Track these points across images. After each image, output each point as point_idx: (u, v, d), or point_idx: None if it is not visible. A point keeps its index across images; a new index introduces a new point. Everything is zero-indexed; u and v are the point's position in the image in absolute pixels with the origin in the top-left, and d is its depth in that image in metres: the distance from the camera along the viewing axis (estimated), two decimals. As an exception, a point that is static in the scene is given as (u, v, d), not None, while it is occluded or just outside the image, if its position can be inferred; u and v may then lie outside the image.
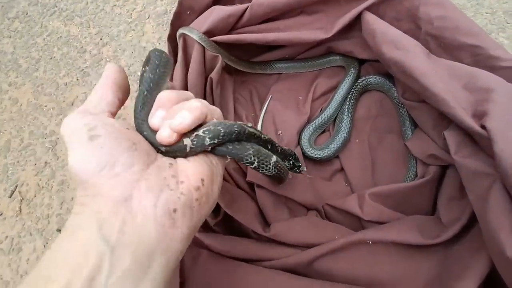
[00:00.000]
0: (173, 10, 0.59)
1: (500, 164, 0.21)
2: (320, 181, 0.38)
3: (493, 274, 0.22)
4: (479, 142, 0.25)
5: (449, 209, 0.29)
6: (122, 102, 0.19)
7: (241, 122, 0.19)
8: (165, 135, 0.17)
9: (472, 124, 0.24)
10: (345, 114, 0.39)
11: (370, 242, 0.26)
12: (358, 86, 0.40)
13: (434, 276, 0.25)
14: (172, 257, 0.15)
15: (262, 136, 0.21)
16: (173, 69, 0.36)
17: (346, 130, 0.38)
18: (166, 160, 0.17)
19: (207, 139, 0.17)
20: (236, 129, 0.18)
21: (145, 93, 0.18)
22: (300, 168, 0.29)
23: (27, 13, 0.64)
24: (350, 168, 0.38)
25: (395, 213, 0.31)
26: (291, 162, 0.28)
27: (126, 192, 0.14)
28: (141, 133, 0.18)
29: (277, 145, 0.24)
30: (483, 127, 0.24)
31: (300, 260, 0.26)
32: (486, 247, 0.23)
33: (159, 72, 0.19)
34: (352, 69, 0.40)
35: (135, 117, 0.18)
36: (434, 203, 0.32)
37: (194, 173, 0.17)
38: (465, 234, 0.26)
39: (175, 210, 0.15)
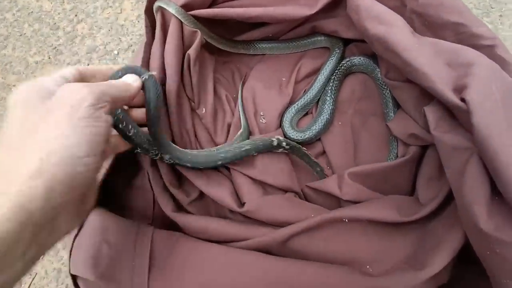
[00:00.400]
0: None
1: (477, 136, 0.21)
2: (301, 164, 0.37)
3: (467, 248, 0.22)
4: (458, 116, 0.25)
5: (427, 188, 0.29)
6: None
7: None
8: None
9: (452, 97, 0.24)
10: (328, 95, 0.38)
11: (346, 220, 0.26)
12: (342, 68, 0.39)
13: (410, 253, 0.25)
14: None
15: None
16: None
17: (329, 112, 0.37)
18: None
19: None
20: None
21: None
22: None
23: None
24: (332, 151, 0.38)
25: (374, 193, 0.30)
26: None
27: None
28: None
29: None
30: (462, 100, 0.23)
31: (274, 239, 0.25)
32: (460, 222, 0.23)
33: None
34: (336, 49, 0.39)
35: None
36: (414, 184, 0.31)
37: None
38: (441, 212, 0.26)
39: None
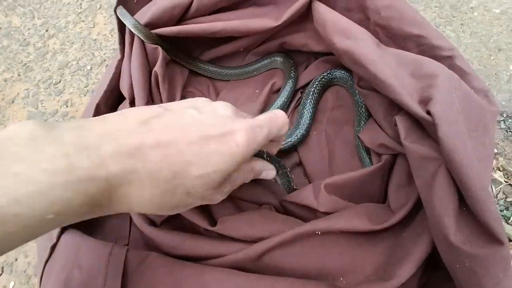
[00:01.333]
0: None
1: (443, 147, 0.22)
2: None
3: (434, 254, 0.22)
4: (426, 127, 0.25)
5: (397, 196, 0.29)
6: None
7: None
8: None
9: (418, 109, 0.25)
10: (306, 108, 0.39)
11: (319, 233, 0.26)
12: (322, 80, 0.39)
13: (381, 263, 0.25)
14: None
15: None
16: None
17: (305, 127, 0.38)
18: None
19: None
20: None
21: None
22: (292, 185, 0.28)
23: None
24: (308, 161, 0.38)
25: (348, 203, 0.31)
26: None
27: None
28: None
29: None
30: (428, 112, 0.24)
31: (248, 255, 0.25)
32: (427, 232, 0.23)
33: None
34: (291, 73, 0.40)
35: None
36: (385, 192, 0.32)
37: None
38: (411, 221, 0.26)
39: None
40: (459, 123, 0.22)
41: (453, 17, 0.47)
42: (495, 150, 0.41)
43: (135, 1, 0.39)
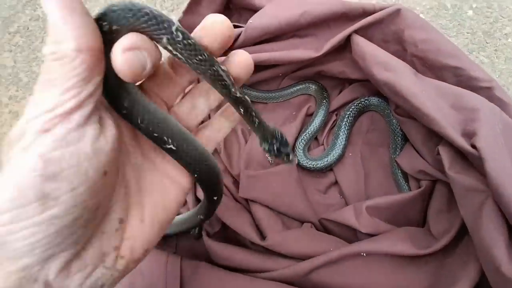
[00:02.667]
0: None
1: (491, 182, 0.23)
2: (315, 193, 0.39)
3: (481, 281, 0.23)
4: (471, 160, 0.26)
5: (438, 221, 0.30)
6: None
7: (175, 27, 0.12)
8: None
9: (463, 143, 0.26)
10: (342, 131, 0.41)
11: (364, 254, 0.27)
12: (359, 105, 0.41)
13: (426, 287, 0.26)
14: None
15: (230, 89, 0.15)
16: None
17: (341, 147, 0.40)
18: (116, 215, 0.14)
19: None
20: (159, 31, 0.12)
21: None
22: (290, 157, 0.20)
23: (28, 28, 0.65)
24: (344, 181, 0.40)
25: (389, 225, 0.32)
26: (274, 146, 0.19)
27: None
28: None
29: (253, 113, 0.17)
30: (473, 146, 0.25)
31: (296, 272, 0.27)
32: (475, 259, 0.24)
33: None
34: (324, 101, 0.42)
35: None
36: (424, 215, 0.33)
37: (142, 245, 0.15)
38: (455, 247, 0.27)
39: (102, 286, 0.13)
40: (505, 157, 0.24)
41: (487, 43, 0.48)
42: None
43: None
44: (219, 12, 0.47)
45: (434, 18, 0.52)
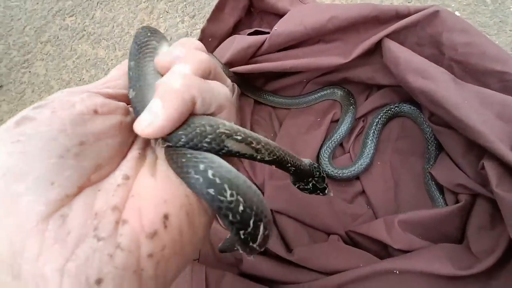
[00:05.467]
0: (194, 32, 0.61)
1: None
2: (341, 203, 0.38)
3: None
4: None
5: (480, 239, 0.28)
6: None
7: (227, 128, 0.12)
8: (136, 129, 0.11)
9: None
10: (370, 139, 0.39)
11: (397, 272, 0.26)
12: (389, 112, 0.39)
13: (467, 312, 0.25)
14: None
15: (259, 156, 0.13)
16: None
17: (370, 156, 0.38)
18: (121, 171, 0.11)
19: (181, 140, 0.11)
20: (205, 144, 0.11)
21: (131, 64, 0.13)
22: (326, 191, 0.20)
23: (58, 37, 0.68)
24: (371, 191, 0.38)
25: (424, 241, 0.30)
26: (310, 184, 0.19)
27: (16, 244, 0.08)
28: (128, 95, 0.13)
29: (288, 164, 0.16)
30: None
31: (325, 285, 0.27)
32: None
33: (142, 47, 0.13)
34: (351, 107, 0.41)
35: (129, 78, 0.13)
36: (462, 232, 0.31)
37: (155, 204, 0.10)
38: (501, 269, 0.25)
39: (99, 281, 0.08)
40: None
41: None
42: None
43: (210, 39, 0.44)
44: (241, 17, 0.46)
45: (471, 15, 0.48)
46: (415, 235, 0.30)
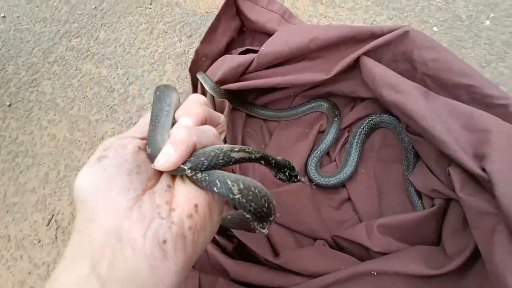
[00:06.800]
0: (191, 50, 0.65)
1: (502, 207, 0.23)
2: (328, 210, 0.40)
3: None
4: (482, 183, 0.26)
5: (453, 240, 0.30)
6: None
7: (228, 148, 0.18)
8: (157, 165, 0.17)
9: (473, 167, 0.26)
10: (353, 148, 0.42)
11: (375, 273, 0.28)
12: (371, 122, 0.42)
13: (440, 310, 0.26)
14: None
15: (253, 155, 0.19)
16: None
17: (354, 164, 0.41)
18: (165, 182, 0.17)
19: (188, 170, 0.17)
20: (221, 159, 0.17)
21: (153, 117, 0.19)
22: (298, 177, 0.26)
23: (64, 58, 0.73)
24: (357, 197, 0.40)
25: (402, 244, 0.32)
26: (286, 173, 0.25)
27: (117, 222, 0.14)
28: (146, 151, 0.18)
29: (270, 158, 0.22)
30: (483, 169, 0.25)
31: (309, 290, 0.28)
32: (488, 283, 0.24)
33: (162, 99, 0.20)
34: (336, 118, 0.43)
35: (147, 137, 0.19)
36: (439, 234, 0.33)
37: (188, 198, 0.16)
38: (470, 268, 0.27)
39: (165, 241, 0.14)
40: (517, 182, 0.23)
41: (506, 53, 0.47)
42: None
43: (203, 59, 0.47)
44: (233, 37, 0.50)
45: (448, 30, 0.51)
46: (394, 238, 0.32)
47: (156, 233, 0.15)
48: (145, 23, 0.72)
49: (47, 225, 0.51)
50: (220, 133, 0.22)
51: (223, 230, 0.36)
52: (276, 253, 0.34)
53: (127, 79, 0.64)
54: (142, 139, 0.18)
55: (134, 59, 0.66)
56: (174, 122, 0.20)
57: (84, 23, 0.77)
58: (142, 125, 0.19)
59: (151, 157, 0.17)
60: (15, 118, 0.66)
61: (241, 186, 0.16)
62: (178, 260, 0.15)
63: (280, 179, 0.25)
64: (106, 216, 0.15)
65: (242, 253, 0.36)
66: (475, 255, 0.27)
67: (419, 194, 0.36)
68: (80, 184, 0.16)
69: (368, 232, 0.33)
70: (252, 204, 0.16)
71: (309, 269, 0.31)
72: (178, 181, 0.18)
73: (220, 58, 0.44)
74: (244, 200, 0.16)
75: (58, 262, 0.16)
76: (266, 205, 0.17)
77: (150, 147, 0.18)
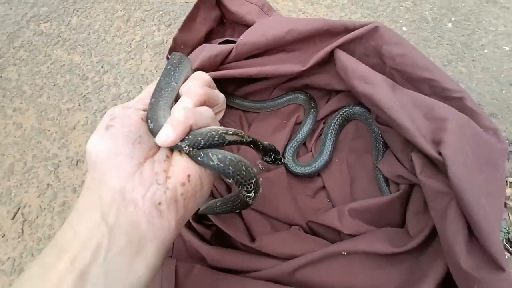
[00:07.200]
0: (169, 40, 0.64)
1: (453, 186, 0.25)
2: (304, 198, 0.42)
3: (448, 276, 0.26)
4: (438, 165, 0.29)
5: (415, 222, 0.33)
6: None
7: (223, 130, 0.20)
8: (157, 142, 0.19)
9: (431, 151, 0.29)
10: (328, 138, 0.43)
11: (345, 253, 0.30)
12: (344, 114, 0.44)
13: (401, 283, 0.29)
14: (161, 244, 0.17)
15: (244, 139, 0.22)
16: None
17: (328, 154, 0.42)
18: (164, 153, 0.20)
19: (185, 147, 0.19)
20: (215, 140, 0.19)
21: (157, 90, 0.21)
22: (282, 160, 0.30)
23: (32, 43, 0.68)
24: (331, 186, 0.42)
25: (370, 226, 0.34)
26: (272, 156, 0.28)
27: (122, 183, 0.17)
28: (148, 125, 0.20)
29: (259, 143, 0.25)
30: (439, 153, 0.28)
31: (282, 270, 0.29)
32: (442, 257, 0.27)
33: (171, 74, 0.22)
34: (312, 110, 0.45)
35: (147, 110, 0.20)
36: (404, 217, 0.35)
37: (183, 169, 0.19)
38: (428, 245, 0.30)
39: (160, 203, 0.17)
40: (468, 164, 0.26)
41: (464, 53, 0.51)
42: (510, 179, 0.43)
43: (182, 47, 0.47)
44: (213, 27, 0.50)
45: (416, 30, 0.55)
46: (363, 221, 0.34)
47: (153, 196, 0.17)
48: (121, 10, 0.69)
49: (12, 219, 0.48)
50: (218, 112, 0.24)
51: (202, 219, 0.37)
52: (253, 239, 0.35)
53: (102, 67, 0.62)
54: (144, 110, 0.20)
55: (109, 47, 0.64)
56: (178, 97, 0.22)
57: (55, 7, 0.73)
58: (145, 97, 0.21)
59: (153, 132, 0.19)
60: (-24, 105, 0.61)
61: (220, 156, 0.19)
62: (171, 220, 0.18)
63: (266, 161, 0.28)
64: (113, 178, 0.17)
65: (220, 240, 0.36)
66: (433, 234, 0.30)
67: (386, 180, 0.38)
68: (91, 149, 0.18)
69: (339, 216, 0.35)
70: (230, 168, 0.19)
71: (283, 252, 0.32)
72: (175, 154, 0.20)
73: (198, 47, 0.44)
74: (222, 165, 0.19)
75: (71, 211, 0.18)
76: (244, 168, 0.20)
77: (152, 122, 0.19)
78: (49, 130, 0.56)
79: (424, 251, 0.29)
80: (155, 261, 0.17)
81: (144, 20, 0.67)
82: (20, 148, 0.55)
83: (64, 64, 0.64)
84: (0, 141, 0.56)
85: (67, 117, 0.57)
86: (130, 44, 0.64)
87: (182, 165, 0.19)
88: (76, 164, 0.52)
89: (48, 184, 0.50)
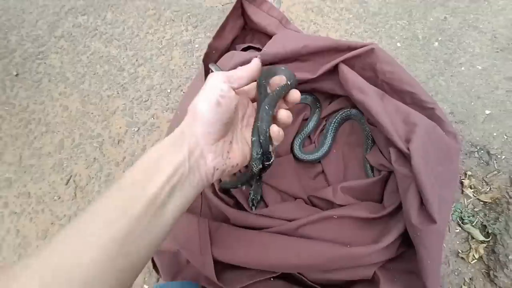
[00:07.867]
0: (196, 40, 0.73)
1: (414, 172, 0.37)
2: (307, 179, 0.53)
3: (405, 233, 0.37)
4: (407, 157, 0.40)
5: (390, 198, 0.44)
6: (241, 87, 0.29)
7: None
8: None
9: (403, 147, 0.40)
10: (329, 133, 0.54)
11: (336, 217, 0.41)
12: (342, 115, 0.55)
13: (374, 238, 0.40)
14: (200, 191, 0.27)
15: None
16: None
17: (328, 146, 0.53)
18: (229, 139, 0.29)
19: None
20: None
21: (266, 104, 0.29)
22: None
23: (71, 34, 0.77)
24: (329, 171, 0.53)
25: (356, 200, 0.46)
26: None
27: (204, 143, 0.26)
28: (257, 134, 0.29)
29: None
30: (408, 149, 0.39)
31: (288, 228, 0.41)
32: (403, 220, 0.38)
33: (281, 91, 0.31)
34: (317, 109, 0.56)
35: (260, 119, 0.29)
36: (382, 196, 0.47)
37: (236, 157, 0.29)
38: (395, 214, 0.41)
39: (217, 169, 0.27)
40: (427, 157, 0.37)
41: (445, 69, 0.61)
42: (469, 173, 0.55)
43: (213, 52, 0.56)
44: (237, 34, 0.59)
45: (408, 46, 0.65)
46: (351, 197, 0.45)
47: (217, 164, 0.27)
48: (152, 9, 0.78)
49: (66, 184, 0.59)
50: None
51: (226, 192, 0.47)
52: (267, 206, 0.46)
53: (136, 60, 0.71)
54: (234, 89, 0.27)
55: (142, 43, 0.73)
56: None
57: (91, 2, 0.80)
58: (240, 76, 0.28)
59: (254, 144, 0.29)
60: (24, 88, 0.70)
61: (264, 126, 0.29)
62: (212, 181, 0.28)
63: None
64: (201, 137, 0.26)
65: (239, 208, 0.47)
66: (400, 207, 0.42)
67: (372, 168, 0.50)
68: (201, 109, 0.25)
69: (334, 192, 0.46)
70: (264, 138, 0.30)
71: (289, 216, 0.43)
72: (233, 143, 0.29)
73: (227, 54, 0.53)
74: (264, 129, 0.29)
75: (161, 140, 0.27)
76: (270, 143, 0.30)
77: (254, 137, 0.29)
78: (92, 113, 0.66)
79: (393, 218, 0.41)
80: (193, 195, 0.26)
81: (173, 20, 0.75)
82: (68, 127, 0.64)
83: (102, 56, 0.73)
84: (50, 120, 0.65)
85: (108, 102, 0.66)
86: (161, 41, 0.73)
87: (236, 154, 0.29)
88: (118, 143, 0.62)
89: (94, 158, 0.61)
